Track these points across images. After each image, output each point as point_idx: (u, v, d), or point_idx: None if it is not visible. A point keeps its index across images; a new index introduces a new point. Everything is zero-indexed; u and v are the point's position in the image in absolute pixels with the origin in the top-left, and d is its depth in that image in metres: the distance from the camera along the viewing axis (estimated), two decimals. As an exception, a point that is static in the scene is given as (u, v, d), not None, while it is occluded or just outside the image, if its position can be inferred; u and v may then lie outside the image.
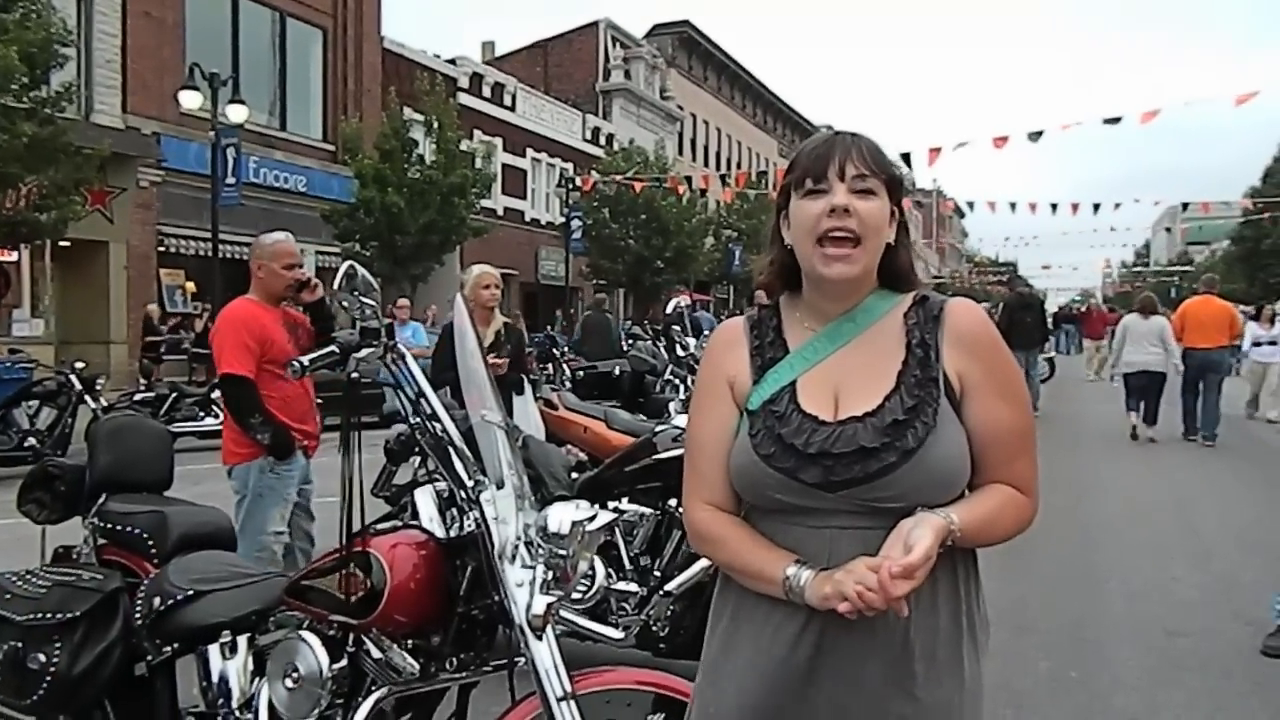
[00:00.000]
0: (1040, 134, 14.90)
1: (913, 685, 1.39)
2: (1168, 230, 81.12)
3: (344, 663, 2.08)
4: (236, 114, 15.70)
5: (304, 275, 4.07)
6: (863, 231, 1.41)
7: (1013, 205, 21.82)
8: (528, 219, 29.08)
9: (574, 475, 4.07)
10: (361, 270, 2.00)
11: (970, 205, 23.80)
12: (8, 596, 2.45)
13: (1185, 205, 27.25)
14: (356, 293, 1.97)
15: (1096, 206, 21.72)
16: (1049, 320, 19.20)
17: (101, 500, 2.75)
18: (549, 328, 22.85)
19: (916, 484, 1.37)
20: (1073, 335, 29.78)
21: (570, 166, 29.29)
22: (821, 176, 1.43)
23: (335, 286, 2.00)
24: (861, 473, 1.37)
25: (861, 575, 1.30)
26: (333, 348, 1.97)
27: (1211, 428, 10.90)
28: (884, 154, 1.46)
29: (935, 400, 1.40)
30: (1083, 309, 18.57)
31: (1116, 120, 14.04)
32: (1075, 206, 21.66)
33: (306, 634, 2.11)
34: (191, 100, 15.19)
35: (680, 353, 5.23)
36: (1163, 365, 10.95)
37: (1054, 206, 21.85)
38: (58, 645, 2.33)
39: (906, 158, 16.94)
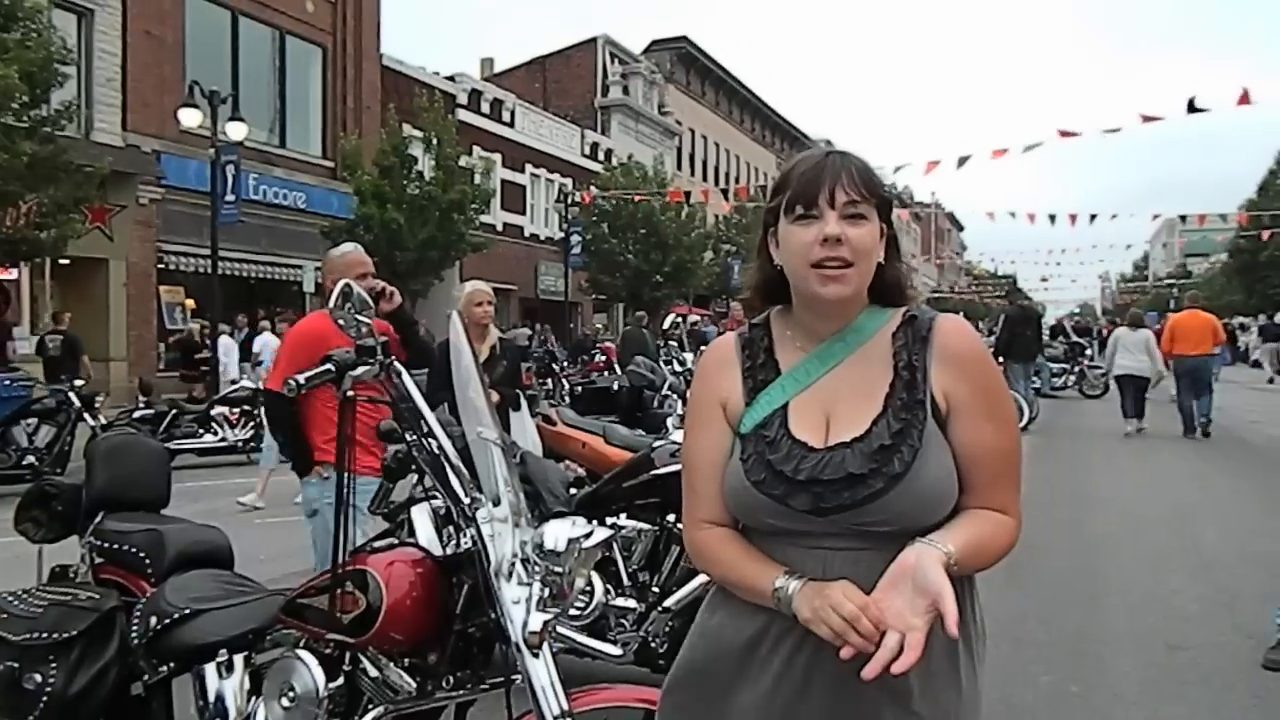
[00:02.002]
0: (1037, 145, 14.95)
1: (908, 699, 1.39)
2: (1164, 246, 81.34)
3: (340, 681, 2.08)
4: (236, 131, 15.78)
5: (377, 285, 3.93)
6: (855, 258, 1.42)
7: (1012, 214, 21.83)
8: (527, 234, 29.16)
9: (572, 491, 4.07)
10: (357, 288, 2.00)
11: (976, 214, 23.76)
12: (4, 616, 2.44)
13: (1183, 218, 27.29)
14: (352, 311, 1.98)
15: (1093, 217, 21.74)
16: (1044, 333, 19.57)
17: (98, 519, 2.75)
18: (532, 340, 22.67)
19: (904, 508, 1.38)
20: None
21: (569, 182, 29.40)
22: (812, 203, 1.42)
23: (330, 305, 2.00)
24: (850, 499, 1.38)
25: (840, 605, 1.30)
26: (328, 366, 1.97)
27: (1204, 423, 12.51)
28: (874, 175, 1.46)
29: (921, 423, 1.40)
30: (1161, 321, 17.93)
31: (1115, 130, 14.05)
32: (1073, 218, 21.70)
33: (303, 652, 2.11)
34: (191, 118, 15.27)
35: (677, 368, 5.23)
36: (1147, 370, 12.97)
37: (1052, 218, 21.88)
38: (54, 665, 2.33)
39: (899, 169, 16.95)
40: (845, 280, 1.42)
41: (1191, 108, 12.73)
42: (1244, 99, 11.97)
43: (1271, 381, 23.87)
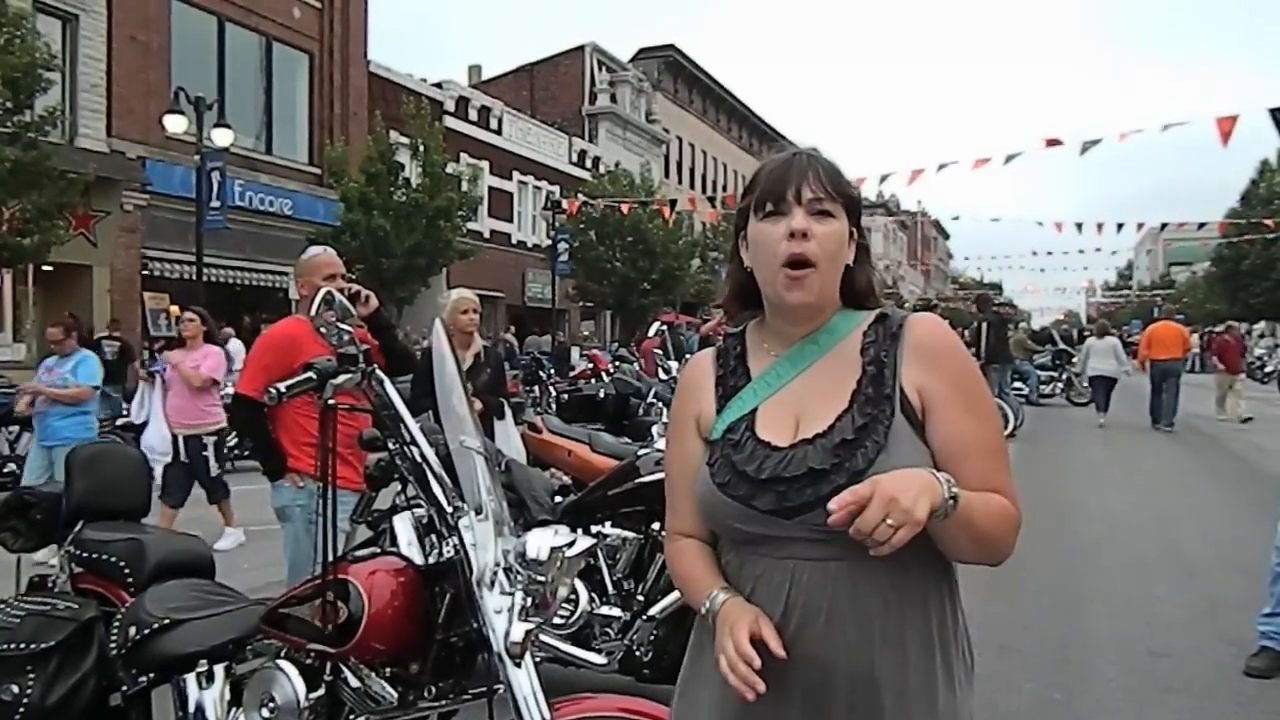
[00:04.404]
0: (1017, 155, 15.03)
1: (880, 717, 1.36)
2: (1149, 254, 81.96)
3: (321, 691, 2.07)
4: (222, 137, 15.70)
5: (351, 288, 3.89)
6: (820, 255, 1.40)
7: (995, 220, 22.00)
8: (514, 241, 29.13)
9: (558, 499, 4.06)
10: (338, 296, 2.00)
11: (956, 219, 23.89)
12: (-19, 626, 2.42)
13: (1164, 225, 27.52)
14: (334, 318, 1.97)
15: (1079, 225, 21.89)
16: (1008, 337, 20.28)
17: (78, 528, 2.73)
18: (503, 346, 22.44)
19: None
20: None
21: (556, 189, 29.38)
22: (780, 200, 1.41)
23: (311, 312, 2.00)
24: (813, 496, 1.33)
25: (740, 642, 1.31)
26: (310, 374, 1.97)
27: (1171, 417, 14.56)
28: (842, 175, 1.44)
29: (887, 419, 1.36)
30: (1219, 334, 17.72)
31: (1096, 142, 14.14)
32: (1059, 225, 21.86)
33: (284, 663, 2.10)
34: (177, 124, 15.19)
35: (663, 375, 5.22)
36: (1115, 372, 15.36)
37: (1039, 224, 22.09)
38: (31, 676, 2.31)
39: (885, 178, 17.04)
40: (808, 285, 1.40)
41: (1165, 127, 12.91)
42: (1224, 123, 11.97)
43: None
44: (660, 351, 5.22)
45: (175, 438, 6.89)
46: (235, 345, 15.14)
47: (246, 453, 9.47)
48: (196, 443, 6.86)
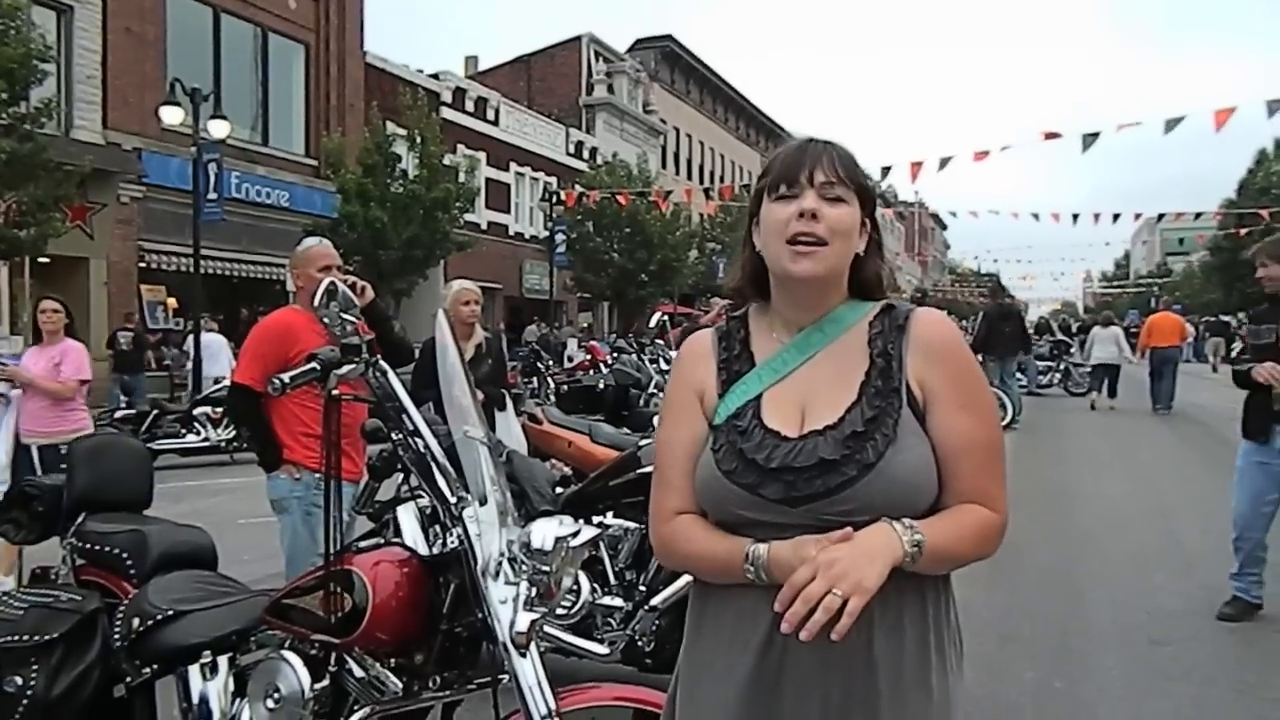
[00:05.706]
0: (1009, 147, 15.10)
1: (877, 705, 1.37)
2: (1144, 244, 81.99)
3: (326, 682, 2.07)
4: (218, 129, 15.66)
5: (348, 279, 3.78)
6: (830, 236, 1.40)
7: (995, 212, 22.00)
8: (511, 233, 29.11)
9: (558, 490, 4.06)
10: (342, 286, 1.99)
11: (954, 214, 23.92)
12: (-16, 619, 2.42)
13: (1161, 216, 27.50)
14: (337, 309, 1.96)
15: (1075, 217, 21.90)
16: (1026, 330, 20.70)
17: (80, 520, 2.73)
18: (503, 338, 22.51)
19: (878, 497, 1.34)
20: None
21: (554, 180, 29.35)
22: (793, 182, 1.42)
23: (315, 304, 1.99)
24: (822, 487, 1.35)
25: (807, 554, 1.29)
26: (314, 364, 1.96)
27: (1168, 401, 15.63)
28: (856, 163, 1.45)
29: (896, 412, 1.38)
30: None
31: (1095, 135, 14.13)
32: (1056, 216, 21.89)
33: (288, 653, 2.10)
34: (173, 116, 15.14)
35: (664, 366, 5.22)
36: (1117, 359, 16.54)
37: (1036, 216, 22.11)
38: (35, 668, 2.31)
39: (887, 170, 17.08)
40: (817, 257, 1.40)
41: (1168, 126, 12.94)
42: (1222, 115, 12.00)
43: (1215, 370, 24.34)
44: (661, 342, 5.21)
45: (27, 449, 5.46)
46: (214, 338, 15.12)
47: (244, 444, 9.46)
48: (54, 454, 5.26)
